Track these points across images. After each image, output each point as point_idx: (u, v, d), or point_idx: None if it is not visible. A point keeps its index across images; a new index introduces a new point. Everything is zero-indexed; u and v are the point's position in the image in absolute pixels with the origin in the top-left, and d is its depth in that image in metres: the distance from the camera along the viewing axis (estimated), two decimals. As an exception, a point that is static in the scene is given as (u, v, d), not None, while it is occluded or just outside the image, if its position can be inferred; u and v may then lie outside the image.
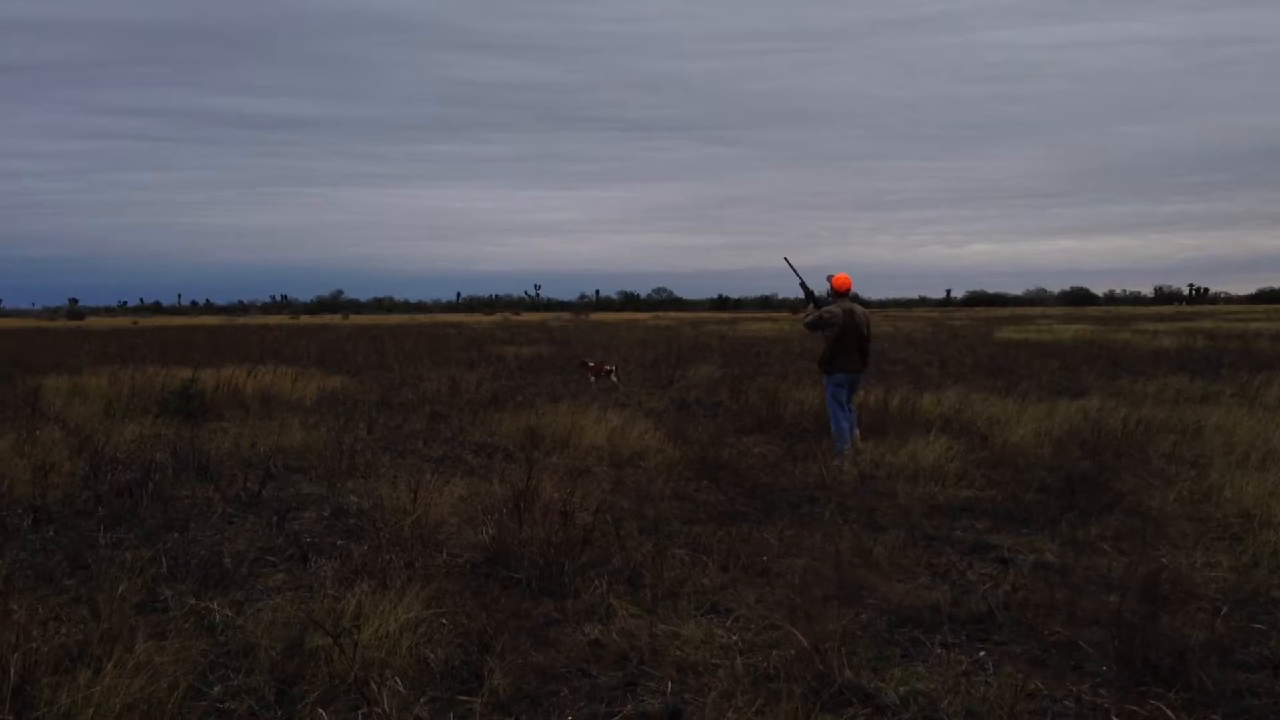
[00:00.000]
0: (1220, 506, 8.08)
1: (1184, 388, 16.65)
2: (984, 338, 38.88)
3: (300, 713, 4.24)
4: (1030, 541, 7.30)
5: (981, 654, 5.01)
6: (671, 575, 6.09)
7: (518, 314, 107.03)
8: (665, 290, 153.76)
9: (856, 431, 11.05)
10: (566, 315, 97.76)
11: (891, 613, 5.58)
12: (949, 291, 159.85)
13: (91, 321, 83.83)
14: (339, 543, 7.08)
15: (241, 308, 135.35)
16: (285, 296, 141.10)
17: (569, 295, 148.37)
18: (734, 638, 5.15)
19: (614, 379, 19.01)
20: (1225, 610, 5.42)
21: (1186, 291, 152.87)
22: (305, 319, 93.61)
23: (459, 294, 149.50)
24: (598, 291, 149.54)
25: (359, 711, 4.23)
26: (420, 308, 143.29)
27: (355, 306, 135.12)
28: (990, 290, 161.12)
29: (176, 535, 7.16)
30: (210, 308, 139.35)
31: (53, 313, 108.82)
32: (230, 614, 5.33)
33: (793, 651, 4.72)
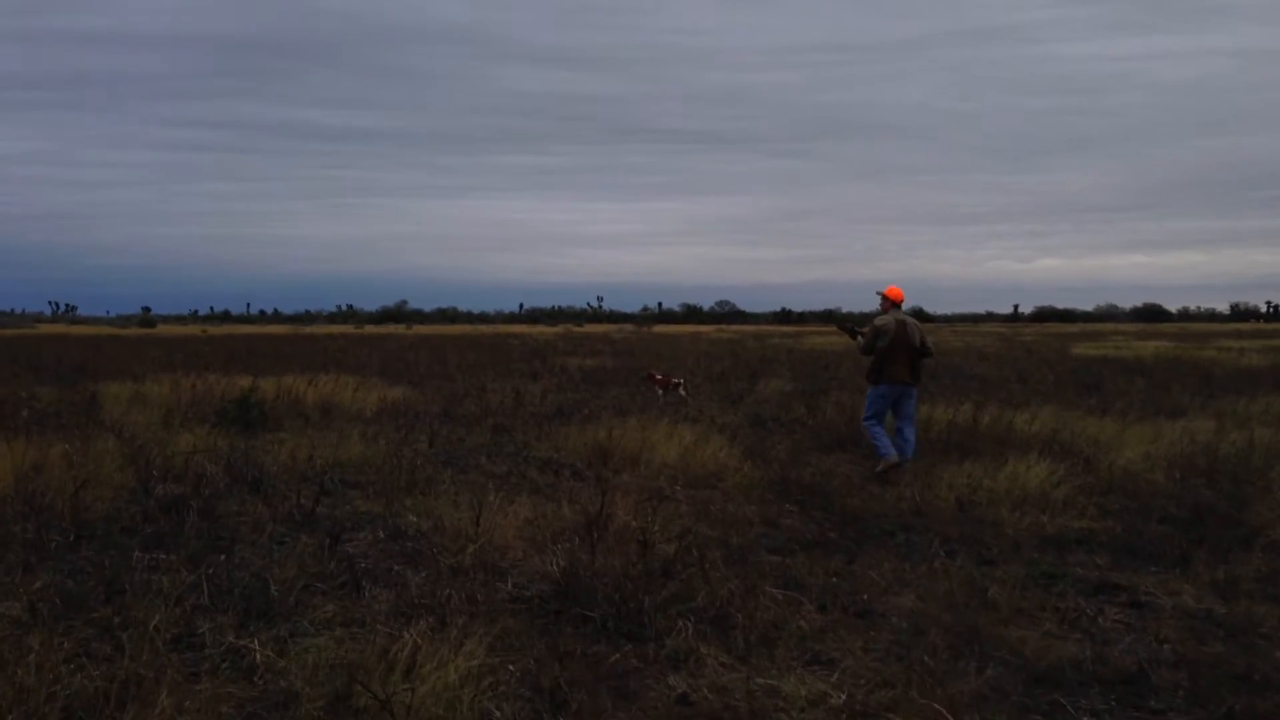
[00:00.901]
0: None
1: (1293, 408, 15.56)
2: (1060, 353, 37.60)
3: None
4: (1162, 582, 6.50)
5: (1139, 724, 4.27)
6: (765, 616, 5.41)
7: (580, 325, 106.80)
8: (728, 303, 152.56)
9: (910, 450, 10.67)
10: (629, 327, 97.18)
11: (1024, 669, 4.83)
12: (1016, 306, 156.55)
13: (162, 329, 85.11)
14: (395, 569, 6.50)
15: (308, 317, 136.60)
16: (350, 306, 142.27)
17: (631, 307, 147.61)
18: (843, 696, 4.45)
19: (682, 392, 18.35)
20: None
21: (1264, 308, 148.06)
22: (370, 328, 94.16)
23: (521, 305, 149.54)
24: (660, 304, 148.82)
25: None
26: (483, 318, 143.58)
27: (419, 316, 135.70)
28: (1059, 306, 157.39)
29: (222, 557, 6.63)
30: (278, 316, 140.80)
31: (126, 320, 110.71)
32: (272, 654, 4.76)
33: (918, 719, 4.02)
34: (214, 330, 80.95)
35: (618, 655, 4.91)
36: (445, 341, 47.75)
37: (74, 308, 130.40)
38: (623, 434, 11.67)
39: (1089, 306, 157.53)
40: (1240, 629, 5.45)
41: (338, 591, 5.98)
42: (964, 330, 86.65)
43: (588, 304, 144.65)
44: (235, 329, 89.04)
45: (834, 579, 6.27)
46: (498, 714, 4.12)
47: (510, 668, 4.54)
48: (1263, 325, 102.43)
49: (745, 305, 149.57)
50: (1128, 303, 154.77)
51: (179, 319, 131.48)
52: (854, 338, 11.66)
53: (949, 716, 3.95)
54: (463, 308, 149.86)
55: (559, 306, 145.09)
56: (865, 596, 5.92)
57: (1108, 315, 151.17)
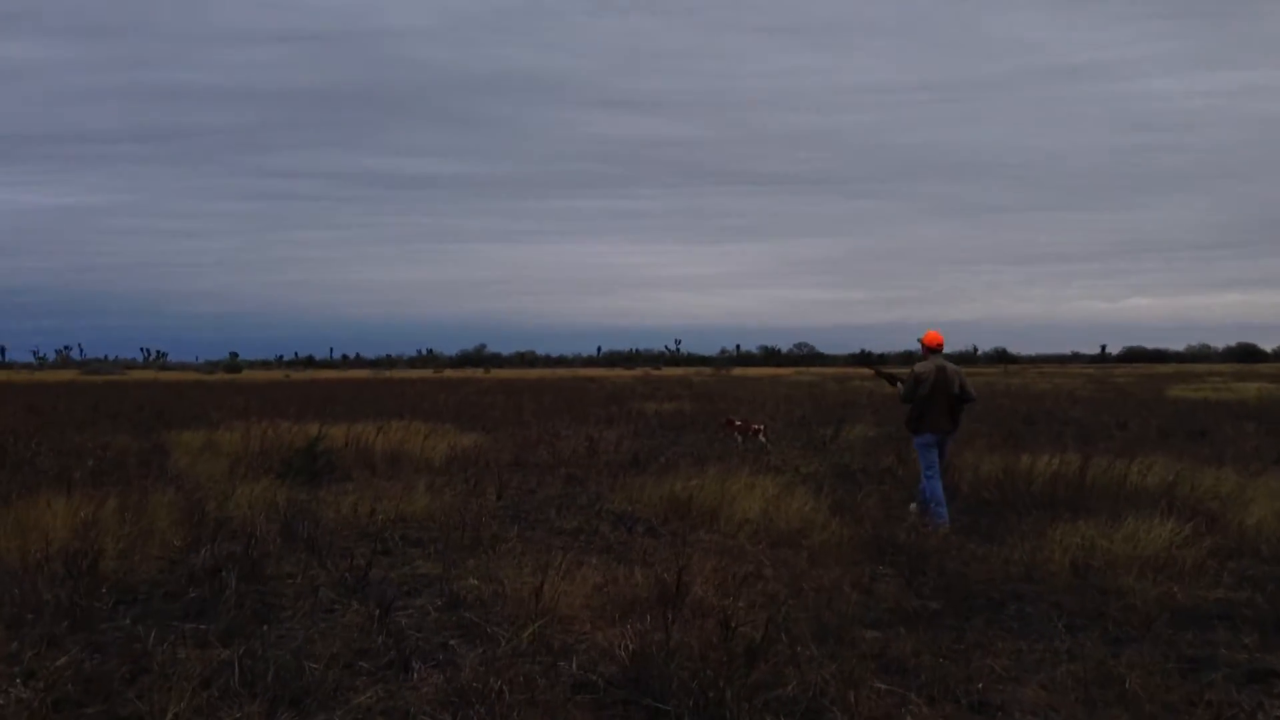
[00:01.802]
0: None
1: None
2: (1156, 396, 36.01)
3: None
4: (1327, 667, 5.60)
5: None
6: (865, 709, 4.67)
7: (658, 368, 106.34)
8: (807, 345, 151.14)
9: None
10: (707, 370, 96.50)
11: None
12: (1104, 347, 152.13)
13: (247, 375, 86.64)
14: (450, 643, 5.88)
15: (388, 361, 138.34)
16: (430, 350, 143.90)
17: (709, 350, 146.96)
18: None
19: (763, 439, 17.63)
20: None
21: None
22: (449, 372, 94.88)
23: (599, 348, 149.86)
24: (738, 346, 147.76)
25: None
26: (561, 361, 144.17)
27: (497, 360, 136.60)
28: (1149, 346, 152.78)
29: (265, 627, 6.09)
30: (359, 361, 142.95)
31: (213, 366, 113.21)
32: (298, 755, 4.16)
33: None
34: (297, 375, 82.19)
35: (695, 760, 4.23)
36: (522, 385, 47.56)
37: (164, 354, 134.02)
38: (701, 486, 10.99)
39: (1180, 346, 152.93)
40: None
41: (384, 671, 5.38)
42: (1051, 371, 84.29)
43: (665, 347, 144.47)
44: (317, 374, 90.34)
45: (941, 660, 5.50)
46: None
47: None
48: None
49: (824, 347, 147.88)
50: (1220, 342, 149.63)
51: (264, 364, 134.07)
52: (893, 384, 11.36)
53: None
54: (541, 351, 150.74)
55: (637, 350, 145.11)
56: (980, 686, 5.14)
57: (1200, 355, 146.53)
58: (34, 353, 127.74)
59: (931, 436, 10.47)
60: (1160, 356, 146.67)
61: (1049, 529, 8.95)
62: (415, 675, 5.29)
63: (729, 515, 9.82)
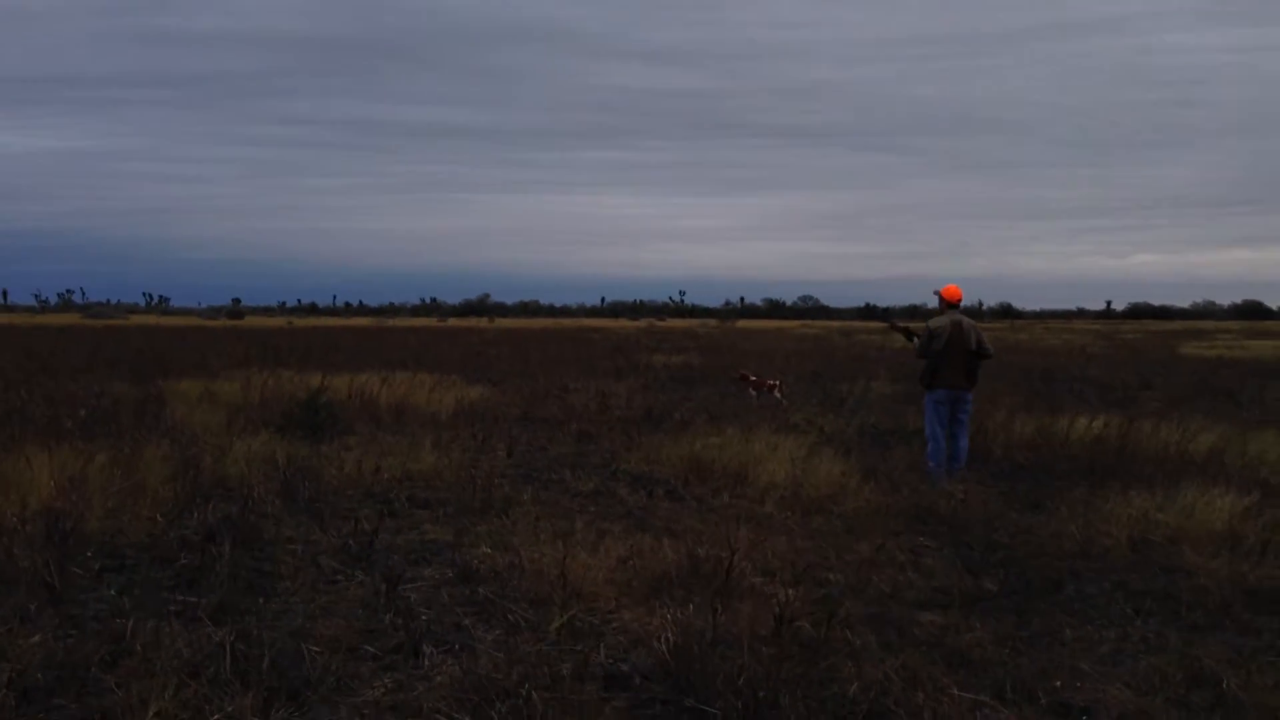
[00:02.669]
0: None
1: None
2: (1169, 353, 35.39)
3: None
4: None
5: None
6: (937, 715, 4.13)
7: (662, 320, 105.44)
8: (811, 298, 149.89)
9: (962, 459, 10.16)
10: (712, 322, 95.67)
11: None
12: (1109, 303, 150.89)
13: (250, 321, 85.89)
14: (464, 623, 5.35)
15: (391, 309, 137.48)
16: (434, 299, 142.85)
17: (714, 302, 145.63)
18: None
19: (778, 395, 17.05)
20: None
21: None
22: (452, 321, 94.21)
23: (604, 299, 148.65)
24: (742, 299, 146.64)
25: None
26: (565, 312, 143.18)
27: (501, 310, 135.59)
28: (1154, 302, 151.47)
29: (261, 601, 5.57)
30: (362, 309, 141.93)
31: (215, 312, 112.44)
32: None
33: None
34: (299, 322, 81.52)
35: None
36: (527, 335, 46.97)
37: (166, 299, 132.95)
38: (721, 446, 10.44)
39: (1185, 303, 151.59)
40: None
41: (391, 657, 4.85)
42: (1057, 327, 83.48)
43: (670, 298, 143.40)
44: (320, 321, 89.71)
45: (1011, 655, 4.96)
46: None
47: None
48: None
49: (829, 300, 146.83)
50: (1225, 299, 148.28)
51: (266, 311, 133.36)
52: (909, 339, 10.98)
53: None
54: (545, 301, 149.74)
55: (641, 301, 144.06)
56: (1058, 684, 4.60)
57: (1205, 312, 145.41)
58: (36, 295, 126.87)
59: (945, 393, 10.16)
60: (1165, 313, 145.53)
61: (1097, 499, 8.42)
62: (427, 662, 4.75)
63: (754, 480, 9.27)
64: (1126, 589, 6.25)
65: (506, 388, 18.61)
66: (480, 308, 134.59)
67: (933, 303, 11.03)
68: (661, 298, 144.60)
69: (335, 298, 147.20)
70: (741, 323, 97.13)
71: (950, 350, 10.11)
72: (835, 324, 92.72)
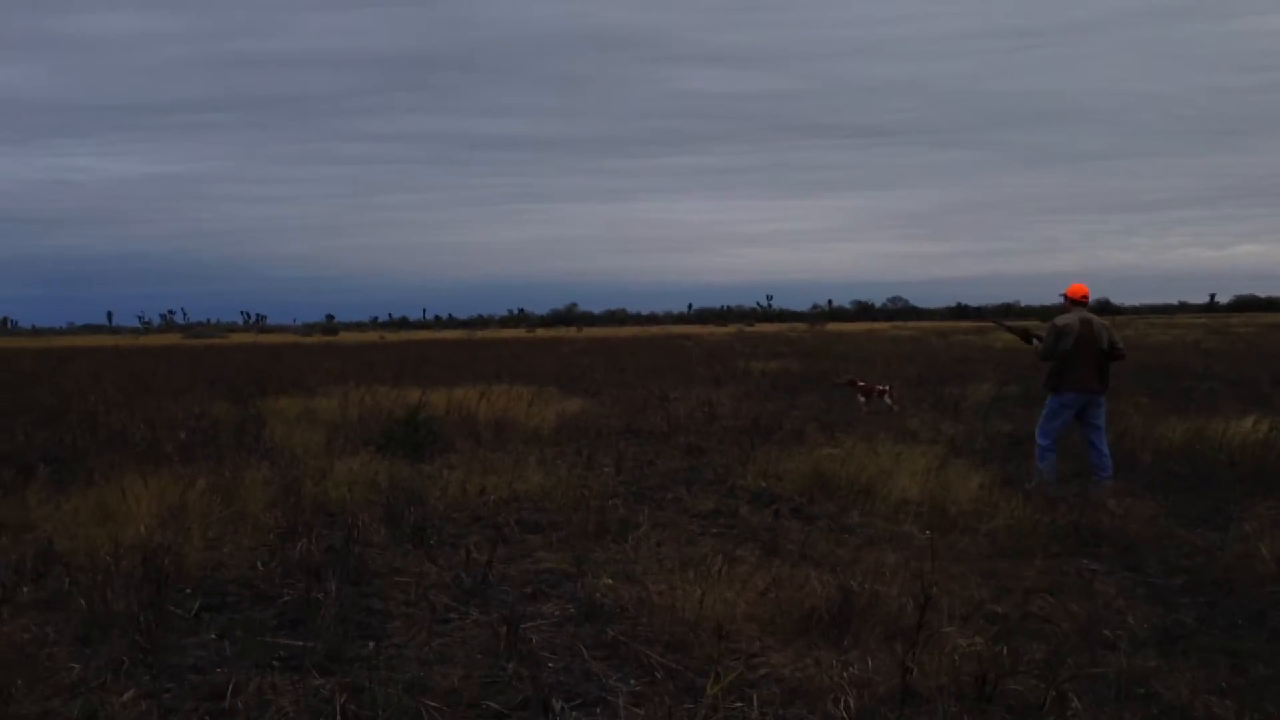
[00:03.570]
0: None
1: None
2: (1290, 347, 33.49)
3: None
4: None
5: None
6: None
7: (751, 325, 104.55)
8: (900, 299, 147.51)
9: (1108, 466, 9.42)
10: (801, 326, 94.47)
11: None
12: (1213, 296, 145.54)
13: (344, 336, 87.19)
14: (593, 669, 4.78)
15: (480, 321, 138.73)
16: (522, 310, 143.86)
17: (800, 305, 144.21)
18: None
19: (889, 400, 16.27)
20: None
21: None
22: (541, 332, 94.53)
23: (690, 305, 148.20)
24: (830, 301, 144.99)
25: None
26: (652, 319, 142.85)
27: (588, 319, 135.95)
28: (1261, 294, 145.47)
29: (371, 646, 5.07)
30: (451, 321, 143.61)
31: (310, 328, 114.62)
32: None
33: None
34: (391, 336, 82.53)
35: None
36: (617, 344, 46.56)
37: (263, 317, 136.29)
38: (841, 458, 9.75)
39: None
40: None
41: (518, 714, 4.30)
42: (1161, 323, 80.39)
43: (757, 303, 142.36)
44: (412, 335, 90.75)
45: (1230, 703, 4.22)
46: None
47: None
48: None
49: (918, 301, 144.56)
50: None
51: (359, 326, 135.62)
52: (1028, 341, 10.43)
53: None
54: (631, 309, 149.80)
55: (728, 306, 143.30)
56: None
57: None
58: (139, 317, 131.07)
59: (1073, 396, 9.53)
60: (1274, 305, 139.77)
61: None
62: (559, 720, 4.20)
63: (885, 495, 8.58)
64: (1345, 621, 5.44)
65: (605, 399, 18.12)
66: (568, 317, 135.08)
67: (1044, 299, 10.47)
68: (748, 302, 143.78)
69: (425, 311, 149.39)
70: (831, 326, 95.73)
71: (1080, 350, 9.51)
72: (928, 325, 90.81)
